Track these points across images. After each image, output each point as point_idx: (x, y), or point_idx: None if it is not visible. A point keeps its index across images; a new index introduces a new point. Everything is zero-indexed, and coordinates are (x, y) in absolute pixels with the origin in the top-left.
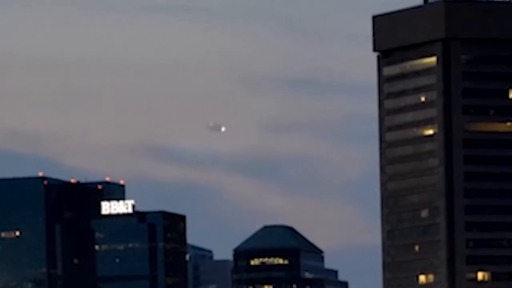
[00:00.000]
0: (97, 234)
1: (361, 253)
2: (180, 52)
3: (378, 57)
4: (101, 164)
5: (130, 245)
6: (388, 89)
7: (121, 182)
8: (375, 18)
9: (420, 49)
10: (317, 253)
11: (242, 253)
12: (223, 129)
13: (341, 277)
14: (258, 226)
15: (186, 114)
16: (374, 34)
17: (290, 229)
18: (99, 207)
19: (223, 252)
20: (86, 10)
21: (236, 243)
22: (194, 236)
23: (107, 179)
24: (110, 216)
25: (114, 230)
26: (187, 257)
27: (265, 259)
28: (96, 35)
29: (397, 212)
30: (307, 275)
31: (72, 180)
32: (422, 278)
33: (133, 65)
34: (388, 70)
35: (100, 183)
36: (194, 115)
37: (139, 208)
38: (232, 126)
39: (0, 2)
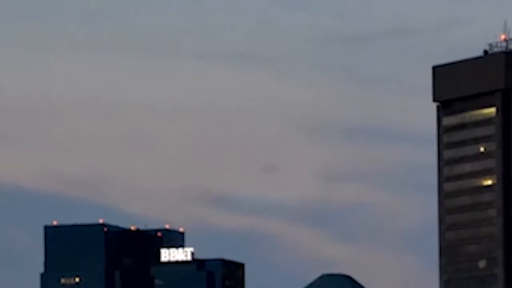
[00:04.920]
0: (156, 281)
1: None
2: (238, 98)
3: (438, 107)
4: (160, 211)
5: None
6: (447, 139)
7: (181, 229)
8: (435, 68)
9: (480, 99)
10: None
11: None
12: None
13: None
14: (316, 275)
15: (244, 161)
16: (434, 84)
17: (348, 278)
18: (158, 254)
19: None
20: (147, 58)
21: None
22: (252, 284)
23: (167, 226)
24: (169, 263)
25: (173, 278)
26: None
27: None
28: (157, 82)
29: (455, 262)
30: None
31: (132, 227)
32: None
33: (193, 111)
34: (448, 120)
35: (159, 230)
36: (252, 163)
37: (198, 256)
38: (290, 173)
39: (62, 49)
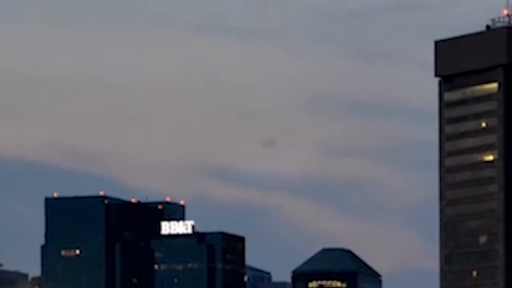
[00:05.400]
0: (157, 254)
1: (418, 277)
2: (241, 73)
3: (440, 82)
4: (161, 184)
5: (189, 265)
6: (448, 114)
7: (181, 202)
8: (437, 43)
9: (482, 75)
10: (375, 276)
11: (301, 275)
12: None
13: None
14: (316, 249)
15: (246, 135)
16: (436, 59)
17: (349, 252)
18: (159, 227)
19: (282, 274)
20: (149, 33)
21: (295, 265)
22: (252, 258)
23: (168, 199)
24: (169, 236)
25: (173, 250)
26: (246, 278)
27: (323, 282)
28: (157, 57)
29: (456, 238)
30: None
31: (133, 200)
32: None
33: (195, 86)
34: (449, 96)
35: (160, 203)
36: (254, 137)
37: (199, 229)
38: (291, 147)
39: (63, 25)
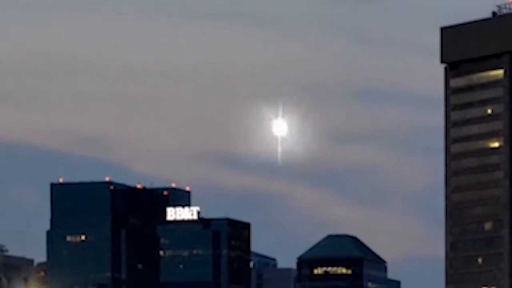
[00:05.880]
0: (162, 240)
1: (424, 264)
2: (246, 60)
3: (446, 69)
4: (167, 170)
5: (194, 251)
6: (454, 101)
7: (187, 188)
8: (443, 30)
9: (488, 61)
10: (380, 263)
11: (306, 261)
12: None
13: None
14: (322, 235)
15: (252, 122)
16: (442, 45)
17: (354, 239)
18: (164, 213)
19: (287, 260)
20: (154, 19)
21: (300, 251)
22: (258, 244)
23: (173, 185)
24: (175, 222)
25: (178, 236)
26: (251, 264)
27: (329, 268)
28: (163, 44)
29: (461, 224)
30: (370, 285)
31: (138, 186)
32: None
33: (201, 73)
34: (455, 82)
35: (166, 189)
36: (259, 123)
37: (204, 215)
38: (297, 135)
39: (64, 9)
